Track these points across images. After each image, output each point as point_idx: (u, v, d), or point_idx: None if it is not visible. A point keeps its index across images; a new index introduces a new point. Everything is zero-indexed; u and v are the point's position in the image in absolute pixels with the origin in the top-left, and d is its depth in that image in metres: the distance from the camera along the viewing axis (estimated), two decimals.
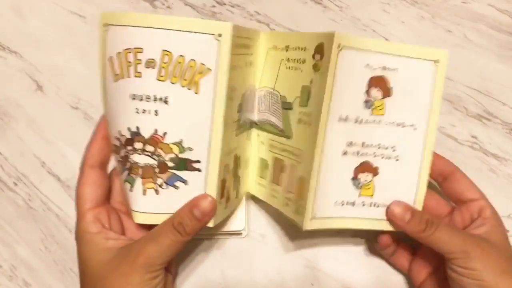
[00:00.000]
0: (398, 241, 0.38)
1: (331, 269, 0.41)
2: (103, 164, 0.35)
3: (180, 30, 0.31)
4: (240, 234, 0.42)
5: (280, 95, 0.38)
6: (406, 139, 0.36)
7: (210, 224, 0.33)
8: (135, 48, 0.32)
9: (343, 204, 0.35)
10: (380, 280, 0.40)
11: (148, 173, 0.33)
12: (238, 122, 0.37)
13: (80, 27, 0.51)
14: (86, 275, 0.33)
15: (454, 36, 0.47)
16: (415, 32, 0.47)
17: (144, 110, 0.32)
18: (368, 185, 0.36)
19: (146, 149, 0.33)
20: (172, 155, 0.33)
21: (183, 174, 0.33)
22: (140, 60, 0.32)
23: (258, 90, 0.40)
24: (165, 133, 0.33)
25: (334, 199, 0.35)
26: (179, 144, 0.33)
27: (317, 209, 0.34)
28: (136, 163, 0.33)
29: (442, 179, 0.38)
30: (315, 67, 0.34)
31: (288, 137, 0.37)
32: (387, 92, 0.35)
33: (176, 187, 0.33)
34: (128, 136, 0.33)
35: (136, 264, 0.31)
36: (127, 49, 0.32)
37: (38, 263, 0.44)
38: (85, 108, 0.48)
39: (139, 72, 0.32)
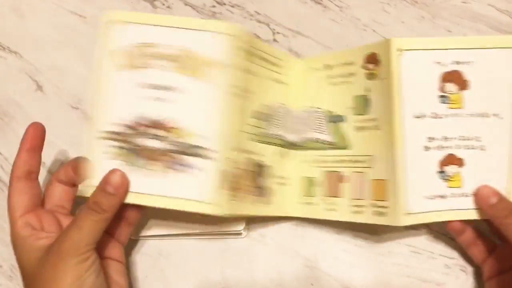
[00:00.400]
0: (479, 234, 0.38)
1: (331, 269, 0.41)
2: (30, 174, 0.36)
3: (197, 30, 0.35)
4: (240, 234, 0.42)
5: (324, 111, 0.41)
6: (491, 128, 0.36)
7: (212, 210, 0.34)
8: (152, 43, 0.35)
9: (433, 198, 0.36)
10: (380, 280, 0.40)
11: (157, 156, 0.35)
12: (259, 129, 0.39)
13: (80, 27, 0.51)
14: (25, 278, 0.34)
15: (454, 36, 0.47)
16: (415, 32, 0.47)
17: (158, 98, 0.35)
18: (456, 176, 0.36)
19: (158, 134, 0.35)
20: (182, 140, 0.35)
21: (190, 159, 0.35)
22: (156, 53, 0.35)
23: (294, 112, 0.42)
24: (177, 120, 0.35)
25: (423, 194, 0.36)
26: (189, 130, 0.35)
27: (408, 205, 0.35)
28: (146, 146, 0.35)
29: None
30: (370, 76, 0.37)
31: (344, 147, 0.39)
32: (463, 85, 0.36)
33: (183, 171, 0.35)
34: (139, 121, 0.35)
35: (62, 252, 0.32)
36: (142, 43, 0.36)
37: None
38: (85, 108, 0.48)
39: (156, 65, 0.35)
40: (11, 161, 0.47)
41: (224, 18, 0.50)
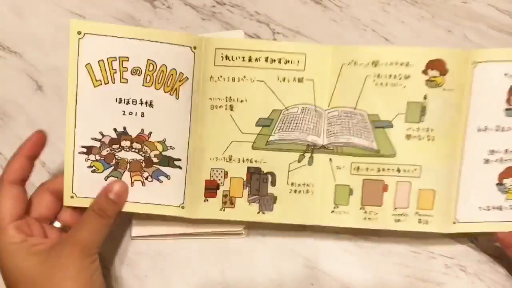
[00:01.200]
0: None
1: (331, 269, 0.41)
2: (23, 181, 0.36)
3: (162, 42, 0.35)
4: (240, 234, 0.42)
5: (368, 114, 0.37)
6: None
7: (187, 214, 0.38)
8: (121, 57, 0.36)
9: (489, 209, 0.36)
10: (380, 280, 0.40)
11: (135, 167, 0.38)
12: (265, 136, 0.38)
13: None
14: (18, 284, 0.34)
15: (454, 36, 0.47)
16: (415, 32, 0.47)
17: (130, 112, 0.36)
18: None
19: (134, 147, 0.37)
20: (157, 152, 0.37)
21: (166, 169, 0.38)
22: (126, 67, 0.36)
23: (328, 111, 0.37)
24: (150, 133, 0.37)
25: (478, 205, 0.36)
26: (162, 142, 0.37)
27: (459, 214, 0.36)
28: (123, 159, 0.37)
29: None
30: (432, 83, 0.35)
31: (389, 156, 0.37)
32: None
33: (160, 181, 0.38)
34: (114, 135, 0.37)
35: (74, 253, 0.34)
36: (111, 57, 0.36)
37: None
38: None
39: (125, 79, 0.36)
40: None
41: (224, 18, 0.50)
